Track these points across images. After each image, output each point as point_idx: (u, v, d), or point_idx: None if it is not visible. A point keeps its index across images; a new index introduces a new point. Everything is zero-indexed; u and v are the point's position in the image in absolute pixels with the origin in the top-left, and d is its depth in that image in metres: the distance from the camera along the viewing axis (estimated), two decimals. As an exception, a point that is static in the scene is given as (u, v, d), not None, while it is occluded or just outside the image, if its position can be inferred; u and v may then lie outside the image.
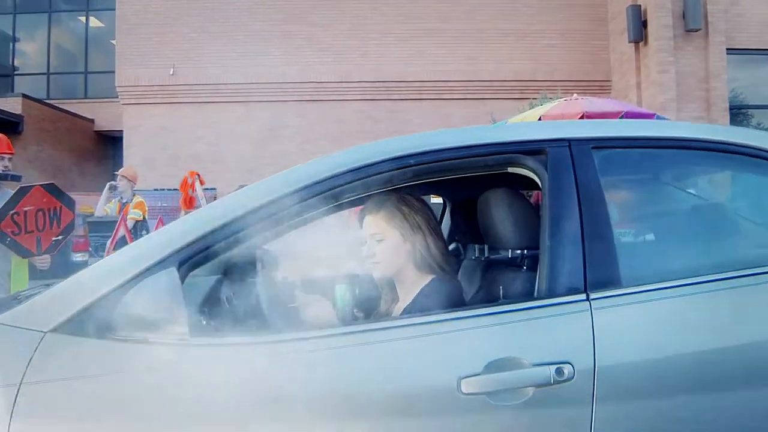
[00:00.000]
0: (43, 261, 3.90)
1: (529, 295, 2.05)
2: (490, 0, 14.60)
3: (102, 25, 19.36)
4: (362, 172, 1.97)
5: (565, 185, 2.00)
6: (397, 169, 1.99)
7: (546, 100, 12.04)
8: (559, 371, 1.71)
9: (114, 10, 14.91)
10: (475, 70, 14.40)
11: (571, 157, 2.05)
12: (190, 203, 10.53)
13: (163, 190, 13.12)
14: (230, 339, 1.77)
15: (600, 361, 1.75)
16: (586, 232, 1.93)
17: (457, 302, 2.24)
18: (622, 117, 7.99)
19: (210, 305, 2.44)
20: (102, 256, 6.34)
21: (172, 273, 1.69)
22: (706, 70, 12.41)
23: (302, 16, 14.37)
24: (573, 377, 1.72)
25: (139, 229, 7.70)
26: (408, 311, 2.23)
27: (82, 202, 12.52)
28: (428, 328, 1.79)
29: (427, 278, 2.29)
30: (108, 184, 7.97)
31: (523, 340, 1.79)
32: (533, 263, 2.29)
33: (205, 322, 2.23)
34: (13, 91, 18.51)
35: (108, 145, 19.22)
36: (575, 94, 9.14)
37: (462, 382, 1.68)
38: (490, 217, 2.32)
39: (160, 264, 1.75)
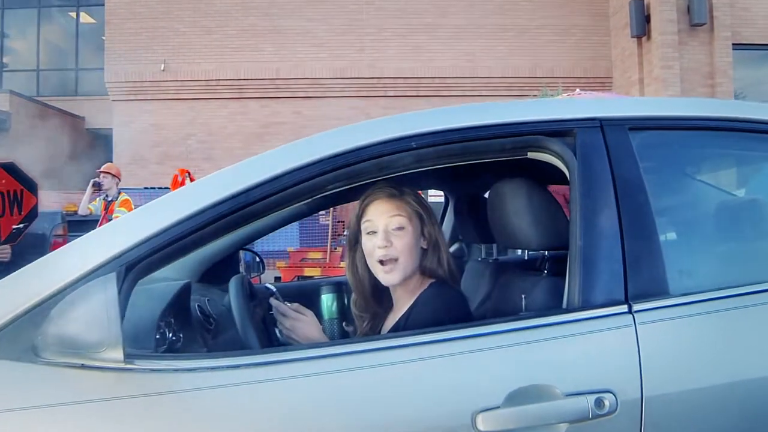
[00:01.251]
0: (3, 252, 3.48)
1: (555, 307, 1.71)
2: (488, -6, 14.29)
3: (93, 21, 18.96)
4: (352, 157, 1.62)
5: (599, 174, 1.66)
6: (394, 153, 1.63)
7: (548, 97, 11.73)
8: (598, 402, 1.40)
9: (104, 5, 14.50)
10: (473, 66, 14.06)
11: (604, 140, 1.71)
12: (179, 202, 10.17)
13: (154, 188, 12.71)
14: (183, 362, 1.42)
15: (648, 389, 1.43)
16: (625, 230, 1.59)
17: (462, 313, 1.90)
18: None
19: (176, 317, 2.10)
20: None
21: (107, 282, 1.33)
22: (711, 65, 12.09)
23: (297, 11, 14.01)
24: (616, 410, 1.41)
25: (123, 228, 7.35)
26: (403, 324, 1.88)
27: (70, 200, 12.16)
28: (431, 349, 1.44)
29: (426, 283, 1.94)
30: (92, 181, 7.61)
31: (552, 363, 1.46)
32: (558, 267, 1.95)
33: (162, 339, 1.89)
34: (0, 87, 18.09)
35: (100, 143, 18.80)
36: (578, 90, 8.81)
37: (477, 417, 1.36)
38: (504, 212, 1.97)
39: (101, 269, 1.40)
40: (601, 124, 1.72)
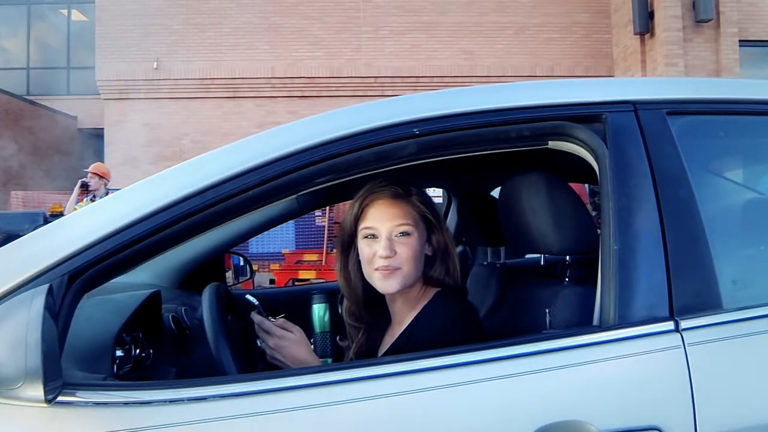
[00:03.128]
0: None
1: (583, 323, 1.45)
2: (487, -9, 14.04)
3: (85, 18, 18.62)
4: (344, 145, 1.36)
5: (634, 165, 1.41)
6: (393, 141, 1.38)
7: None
8: (644, 443, 1.12)
9: (95, 2, 14.21)
10: (472, 65, 13.82)
11: (639, 126, 1.45)
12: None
13: (146, 189, 12.47)
14: (137, 393, 1.16)
15: (703, 424, 1.16)
16: (668, 231, 1.34)
17: (473, 328, 1.65)
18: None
19: (145, 331, 1.84)
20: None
21: (34, 297, 1.06)
22: (717, 63, 11.83)
23: (292, 8, 13.75)
24: (664, 451, 1.13)
25: (111, 230, 7.08)
26: (405, 341, 1.63)
27: (56, 200, 11.85)
28: (439, 377, 1.19)
29: (430, 293, 1.69)
30: (79, 181, 7.35)
31: (586, 394, 1.20)
32: (582, 274, 1.69)
33: (126, 358, 1.64)
34: (-12, 86, 17.76)
35: (93, 143, 18.47)
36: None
37: (499, 462, 1.09)
38: (520, 211, 1.71)
39: (33, 281, 1.14)
40: (635, 108, 1.47)
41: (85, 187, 7.29)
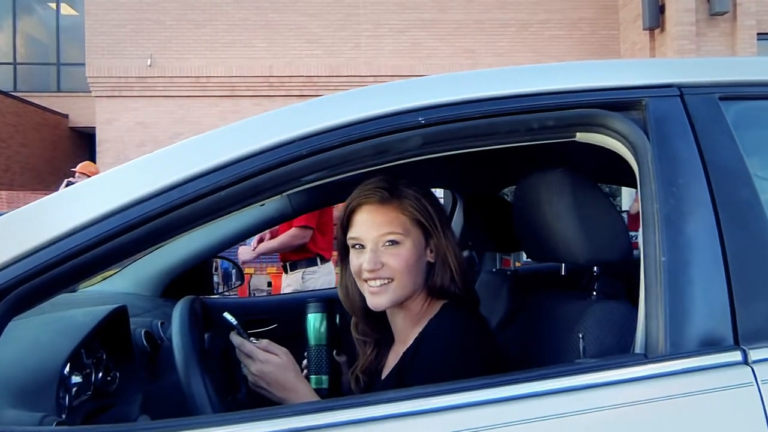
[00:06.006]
0: None
1: (619, 347, 1.22)
2: (488, -12, 13.80)
3: (75, 13, 18.33)
4: (335, 137, 1.13)
5: (683, 160, 1.18)
6: (394, 132, 1.15)
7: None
8: None
9: (88, -4, 13.94)
10: (474, 63, 13.57)
11: (687, 113, 1.22)
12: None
13: (140, 189, 12.24)
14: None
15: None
16: (728, 240, 1.10)
17: (487, 349, 1.44)
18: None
19: (110, 351, 1.61)
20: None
21: None
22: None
23: (290, 5, 13.50)
24: None
25: (100, 231, 6.84)
26: (408, 364, 1.41)
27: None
28: (443, 421, 0.95)
29: (437, 305, 1.47)
30: (65, 181, 7.10)
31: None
32: (613, 287, 1.46)
33: (85, 383, 1.41)
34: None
35: (85, 142, 18.24)
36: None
37: None
38: (539, 214, 1.48)
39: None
40: (681, 93, 1.24)
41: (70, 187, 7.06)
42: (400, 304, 1.44)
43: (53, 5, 19.30)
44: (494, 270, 2.50)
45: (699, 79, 1.27)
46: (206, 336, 1.61)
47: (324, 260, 4.04)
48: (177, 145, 1.18)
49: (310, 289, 3.88)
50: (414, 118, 1.15)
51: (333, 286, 3.80)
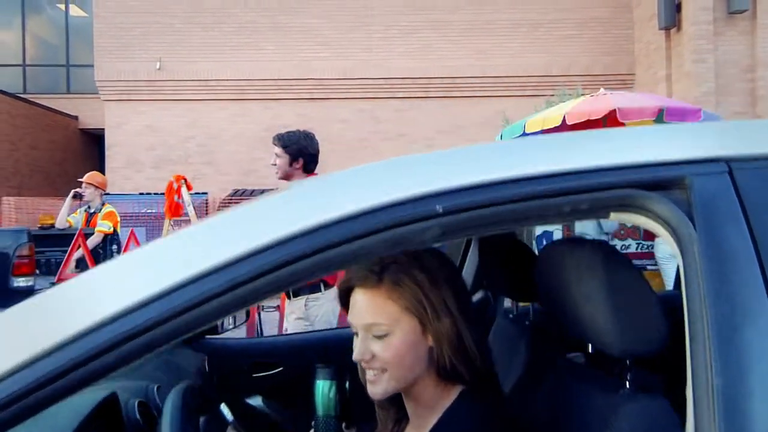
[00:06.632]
0: None
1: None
2: (500, -12, 13.61)
3: (85, 14, 18.24)
4: (341, 231, 0.98)
5: (737, 253, 1.00)
6: (407, 224, 0.99)
7: (566, 97, 11.06)
8: None
9: (94, -1, 13.86)
10: (485, 65, 13.40)
11: (738, 194, 1.05)
12: (176, 211, 9.55)
13: (149, 194, 12.16)
14: None
15: None
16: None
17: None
18: (661, 114, 7.01)
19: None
20: (52, 282, 5.36)
21: None
22: (752, 57, 11.22)
23: (300, 7, 13.35)
24: None
25: (108, 244, 6.74)
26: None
27: (49, 208, 11.37)
28: None
29: (453, 391, 1.30)
30: (72, 191, 7.01)
31: None
32: (647, 380, 1.31)
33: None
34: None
35: (94, 144, 18.17)
36: (602, 89, 8.16)
37: None
38: (565, 289, 1.32)
39: None
40: (730, 168, 1.07)
41: (78, 197, 6.95)
42: (406, 391, 1.30)
43: (62, 6, 19.25)
44: (512, 316, 2.34)
45: (751, 151, 1.11)
46: (201, 420, 1.48)
47: (327, 286, 3.89)
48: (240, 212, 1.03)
49: (314, 316, 3.74)
50: (428, 207, 1.00)
51: (336, 313, 3.67)
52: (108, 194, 12.53)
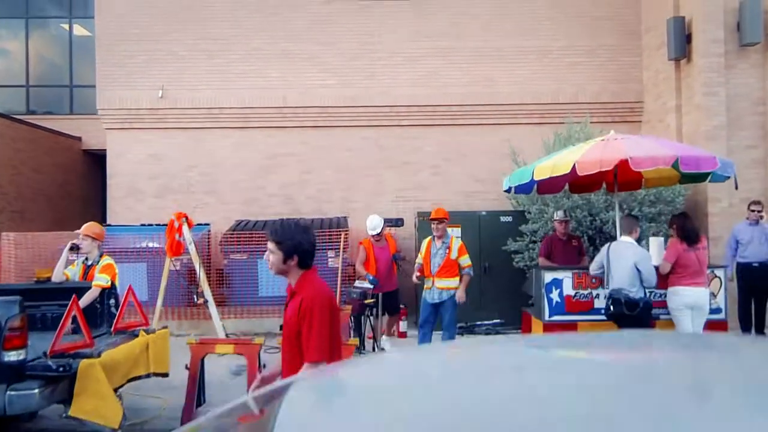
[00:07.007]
0: None
1: None
2: (508, 14, 13.35)
3: (88, 33, 18.13)
4: None
5: None
6: None
7: (574, 126, 10.86)
8: None
9: (95, 27, 13.66)
10: (491, 92, 13.19)
11: None
12: (177, 249, 9.41)
13: (151, 225, 11.96)
14: None
15: None
16: None
17: None
18: (676, 162, 6.81)
19: None
20: (44, 353, 5.16)
21: None
22: (764, 90, 10.92)
23: (304, 34, 13.16)
24: None
25: (105, 298, 6.56)
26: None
27: (46, 244, 11.09)
28: None
29: None
30: (69, 243, 6.85)
31: None
32: None
33: None
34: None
35: (98, 165, 18.02)
36: (612, 132, 7.96)
37: None
38: None
39: None
40: None
41: (75, 249, 6.79)
42: None
43: (66, 26, 19.13)
44: None
45: None
46: None
47: None
48: None
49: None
50: None
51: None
52: (109, 225, 12.39)
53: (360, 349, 8.86)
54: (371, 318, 9.03)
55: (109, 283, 6.54)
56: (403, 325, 10.53)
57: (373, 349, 9.02)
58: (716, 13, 10.96)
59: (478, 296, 10.57)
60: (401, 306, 10.34)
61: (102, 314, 6.52)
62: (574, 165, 6.97)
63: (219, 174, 13.14)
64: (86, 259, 6.79)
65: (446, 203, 13.21)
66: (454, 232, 10.91)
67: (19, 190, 15.64)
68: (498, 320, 10.83)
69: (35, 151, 16.24)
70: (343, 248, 10.95)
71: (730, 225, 10.24)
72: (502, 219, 11.00)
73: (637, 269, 6.80)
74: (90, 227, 6.80)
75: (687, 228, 7.27)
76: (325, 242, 10.94)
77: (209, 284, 9.91)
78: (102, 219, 15.09)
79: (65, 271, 6.72)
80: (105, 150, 13.55)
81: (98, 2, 13.36)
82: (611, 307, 6.85)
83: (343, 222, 11.99)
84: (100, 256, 6.77)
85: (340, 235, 11.06)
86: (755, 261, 9.27)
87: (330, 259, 10.94)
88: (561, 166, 7.13)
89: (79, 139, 18.21)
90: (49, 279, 6.67)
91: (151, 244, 11.05)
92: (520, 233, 10.70)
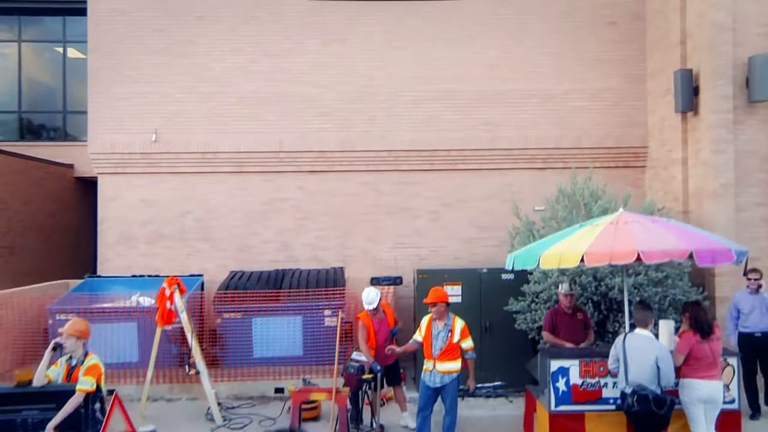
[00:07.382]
0: None
1: None
2: (509, 57, 13.03)
3: (83, 56, 17.71)
4: None
5: None
6: None
7: (576, 182, 10.54)
8: None
9: (88, 69, 13.25)
10: (492, 137, 12.89)
11: None
12: (168, 318, 9.06)
13: (143, 276, 11.66)
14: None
15: None
16: None
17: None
18: (690, 256, 6.52)
19: None
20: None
21: None
22: None
23: (302, 77, 12.81)
24: None
25: (90, 402, 6.23)
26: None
27: (33, 297, 10.67)
28: None
29: None
30: (52, 342, 6.52)
31: None
32: None
33: None
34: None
35: (90, 193, 17.63)
36: (621, 209, 7.67)
37: None
38: None
39: None
40: None
41: (58, 349, 6.46)
42: None
43: (60, 49, 18.69)
44: None
45: None
46: None
47: None
48: None
49: None
50: None
51: None
52: (99, 277, 12.05)
53: (358, 423, 8.56)
54: (369, 392, 8.73)
55: (95, 386, 6.21)
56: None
57: (371, 426, 8.72)
58: (725, 68, 10.65)
59: (478, 357, 10.22)
60: (400, 370, 10.04)
61: (86, 419, 6.20)
62: (583, 257, 6.70)
63: (213, 220, 12.83)
64: (70, 358, 6.46)
65: (445, 250, 12.96)
66: (454, 290, 10.65)
67: (9, 225, 15.29)
68: (499, 382, 10.58)
69: (25, 182, 15.87)
70: (341, 307, 10.63)
71: (736, 285, 10.00)
72: (504, 277, 10.68)
73: (657, 367, 6.53)
74: (74, 325, 6.46)
75: (700, 319, 7.00)
76: (321, 299, 10.66)
77: (201, 345, 9.61)
78: (93, 255, 14.75)
79: (48, 372, 6.39)
80: (97, 177, 13.12)
81: (91, 41, 12.97)
82: (635, 404, 6.54)
83: (340, 274, 11.69)
84: (85, 355, 6.44)
85: (336, 293, 10.77)
86: (758, 331, 9.10)
87: (327, 318, 10.64)
88: (569, 257, 6.85)
89: (71, 166, 17.83)
90: (29, 382, 6.33)
91: (142, 300, 10.73)
92: (522, 293, 10.40)
